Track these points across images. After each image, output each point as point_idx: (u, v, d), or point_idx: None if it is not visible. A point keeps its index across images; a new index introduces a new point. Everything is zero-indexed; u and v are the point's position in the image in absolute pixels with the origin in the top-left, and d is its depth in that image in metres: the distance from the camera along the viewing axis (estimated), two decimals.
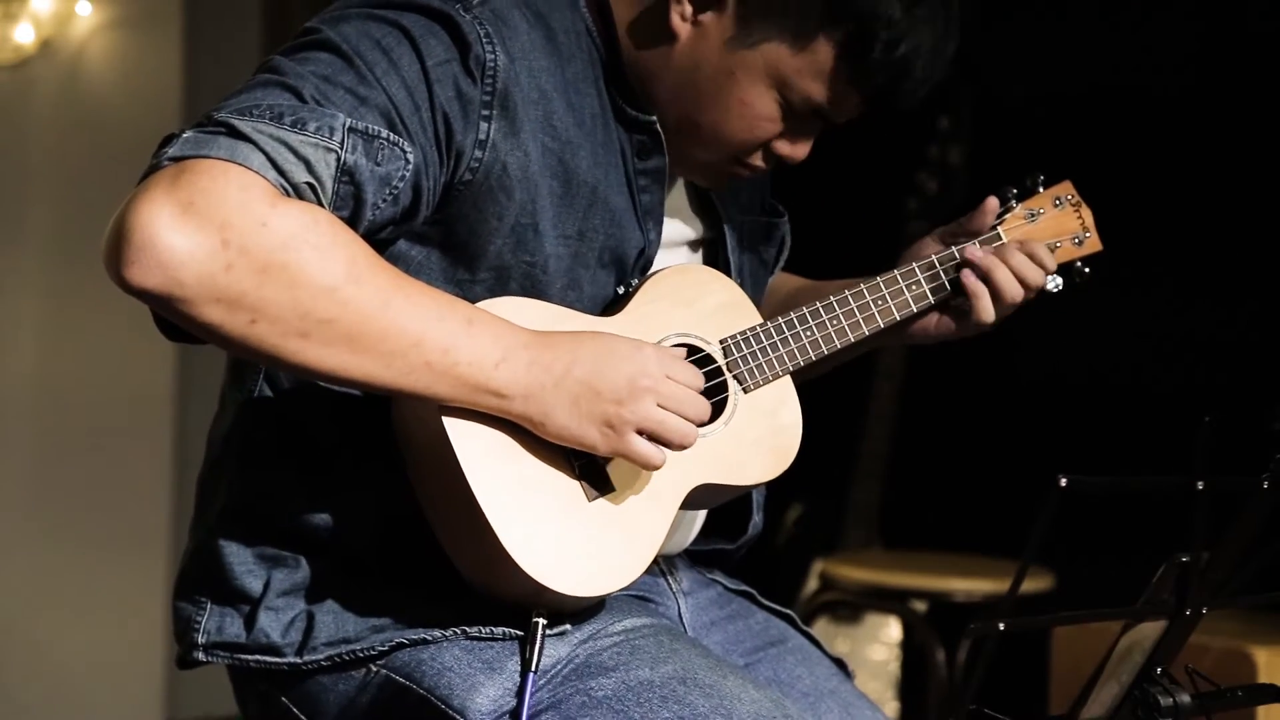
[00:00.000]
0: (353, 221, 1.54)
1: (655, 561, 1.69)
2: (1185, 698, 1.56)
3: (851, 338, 1.80)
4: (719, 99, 1.70)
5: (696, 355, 1.71)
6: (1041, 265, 1.85)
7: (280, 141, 1.48)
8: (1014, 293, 1.84)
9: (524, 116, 1.62)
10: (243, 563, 1.67)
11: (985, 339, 1.93)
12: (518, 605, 1.60)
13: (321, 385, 1.62)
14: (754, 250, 1.90)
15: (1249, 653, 2.74)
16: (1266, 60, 3.67)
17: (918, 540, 4.03)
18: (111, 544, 4.29)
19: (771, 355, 1.75)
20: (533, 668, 1.58)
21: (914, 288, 1.84)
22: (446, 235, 1.63)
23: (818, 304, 1.79)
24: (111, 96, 4.28)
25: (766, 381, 1.75)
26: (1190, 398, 3.57)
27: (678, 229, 1.81)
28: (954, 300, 1.86)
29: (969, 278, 1.84)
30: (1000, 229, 1.88)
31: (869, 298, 1.82)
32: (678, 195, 1.82)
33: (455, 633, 1.62)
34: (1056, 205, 1.91)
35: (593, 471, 1.62)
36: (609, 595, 1.64)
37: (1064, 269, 1.90)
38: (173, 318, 1.47)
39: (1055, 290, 1.88)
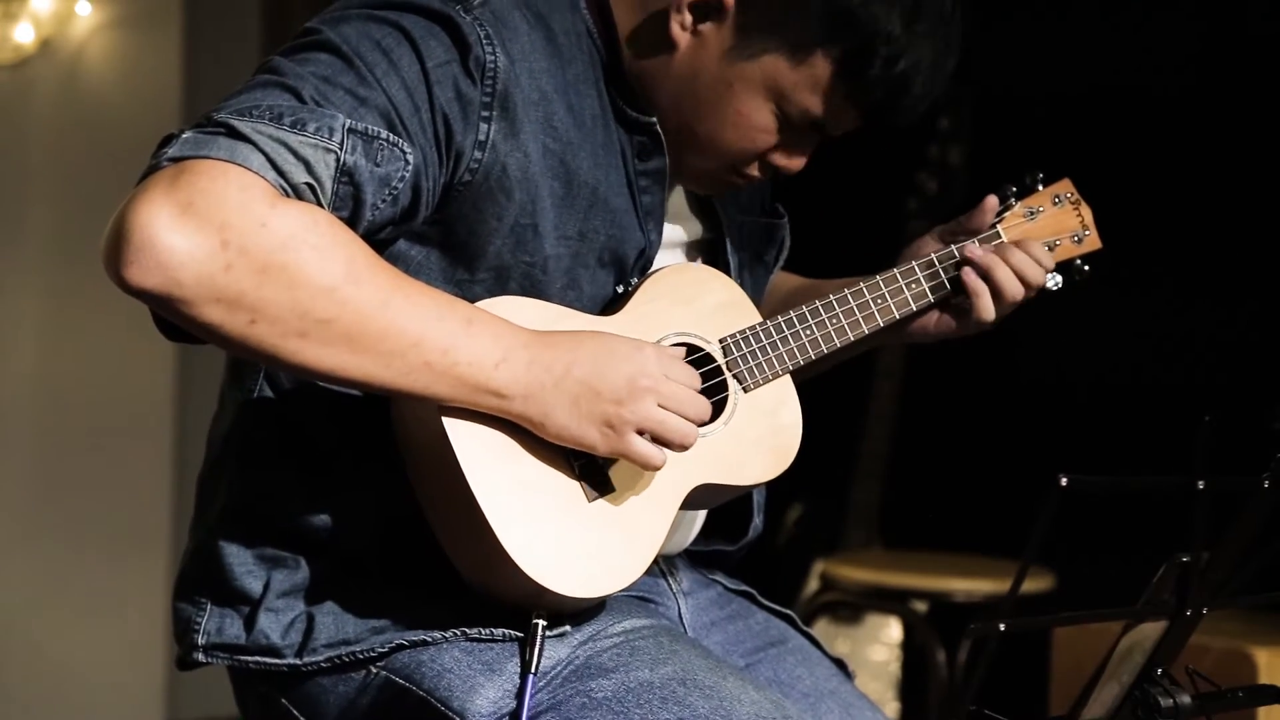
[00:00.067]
0: (352, 222, 1.54)
1: (655, 562, 1.69)
2: (1186, 698, 1.56)
3: (851, 337, 1.80)
4: (716, 109, 1.70)
5: (696, 354, 1.71)
6: (1040, 263, 1.85)
7: (280, 142, 1.48)
8: (1014, 291, 1.84)
9: (524, 118, 1.62)
10: (243, 564, 1.67)
11: (985, 338, 1.93)
12: (517, 606, 1.60)
13: (321, 385, 1.62)
14: (754, 251, 1.90)
15: (1249, 653, 2.73)
16: (1267, 60, 3.67)
17: (918, 540, 4.02)
18: (111, 544, 4.29)
19: (771, 354, 1.75)
20: (532, 669, 1.58)
21: (913, 286, 1.84)
22: (446, 235, 1.63)
23: (817, 303, 1.78)
24: (111, 96, 4.28)
25: (766, 381, 1.75)
26: (1190, 398, 3.57)
27: (678, 229, 1.81)
28: (954, 299, 1.86)
29: (969, 276, 1.84)
30: (1000, 227, 1.88)
31: (869, 296, 1.81)
32: (678, 196, 1.82)
33: (455, 634, 1.62)
34: (1056, 203, 1.91)
35: (592, 472, 1.62)
36: (609, 596, 1.64)
37: (1063, 267, 1.90)
38: (172, 318, 1.47)
39: (1055, 288, 1.88)
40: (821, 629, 3.78)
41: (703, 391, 1.64)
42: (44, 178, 4.26)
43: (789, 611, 1.93)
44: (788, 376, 1.76)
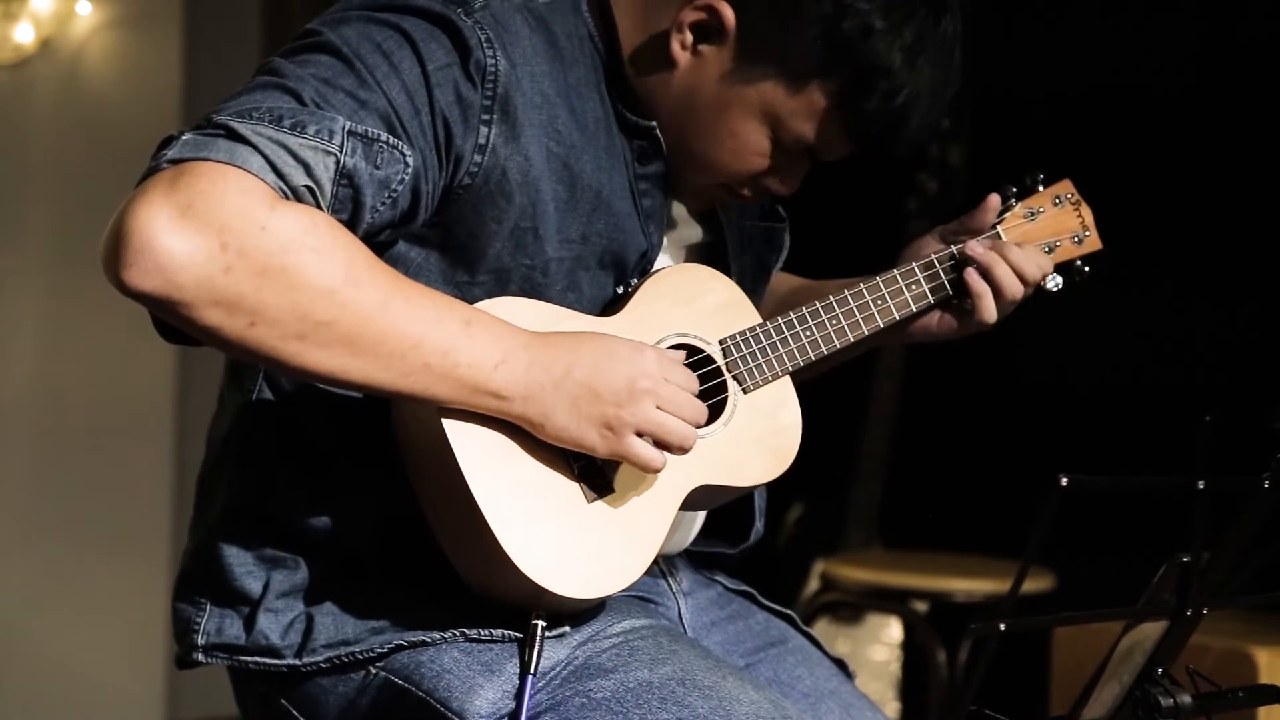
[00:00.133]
0: (351, 224, 1.54)
1: (655, 562, 1.69)
2: (1186, 698, 1.56)
3: (851, 337, 1.80)
4: (712, 129, 1.70)
5: (696, 355, 1.71)
6: (1037, 261, 1.85)
7: (279, 144, 1.48)
8: (1014, 289, 1.83)
9: (525, 121, 1.61)
10: (242, 564, 1.67)
11: (985, 339, 1.93)
12: (517, 607, 1.60)
13: (321, 387, 1.62)
14: (754, 254, 1.89)
15: (1250, 653, 2.73)
16: (1266, 61, 3.67)
17: (918, 540, 4.02)
18: (111, 544, 4.29)
19: (771, 355, 1.75)
20: (532, 670, 1.58)
21: (913, 287, 1.84)
22: (445, 238, 1.63)
23: (817, 304, 1.78)
24: (111, 96, 4.28)
25: (766, 382, 1.74)
26: (1190, 398, 3.57)
27: (679, 232, 1.81)
28: (954, 299, 1.86)
29: (971, 276, 1.83)
30: (1000, 228, 1.88)
31: (869, 297, 1.81)
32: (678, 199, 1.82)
33: (454, 634, 1.62)
34: (1056, 204, 1.91)
35: (592, 473, 1.62)
36: (608, 596, 1.64)
37: (1064, 268, 1.90)
38: (171, 320, 1.47)
39: (1055, 289, 1.88)
40: (822, 629, 3.78)
41: (702, 392, 1.64)
42: (44, 178, 4.26)
43: (789, 611, 1.93)
44: (787, 377, 1.76)
